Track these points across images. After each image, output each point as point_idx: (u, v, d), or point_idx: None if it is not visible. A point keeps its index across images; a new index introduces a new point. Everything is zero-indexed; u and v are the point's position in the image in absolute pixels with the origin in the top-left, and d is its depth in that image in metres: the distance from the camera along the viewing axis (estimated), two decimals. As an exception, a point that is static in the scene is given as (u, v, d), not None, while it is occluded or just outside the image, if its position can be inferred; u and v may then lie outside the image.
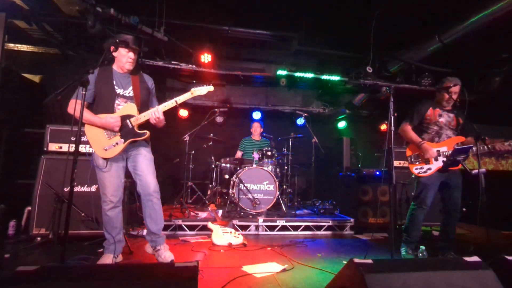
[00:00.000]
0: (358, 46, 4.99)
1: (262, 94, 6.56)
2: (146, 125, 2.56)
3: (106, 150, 2.41)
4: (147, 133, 2.54)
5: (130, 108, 2.48)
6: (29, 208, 3.20)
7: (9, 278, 1.26)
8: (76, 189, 3.16)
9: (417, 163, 2.99)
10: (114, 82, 2.49)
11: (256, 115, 6.34)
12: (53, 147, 3.33)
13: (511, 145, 2.76)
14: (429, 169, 2.91)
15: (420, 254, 2.85)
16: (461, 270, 1.52)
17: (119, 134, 2.45)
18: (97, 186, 3.28)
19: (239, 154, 5.44)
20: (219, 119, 6.28)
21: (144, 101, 2.59)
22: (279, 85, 5.43)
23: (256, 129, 5.52)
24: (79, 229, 3.16)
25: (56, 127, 3.38)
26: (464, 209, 5.26)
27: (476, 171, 2.87)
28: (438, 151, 2.93)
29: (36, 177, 3.19)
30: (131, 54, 2.49)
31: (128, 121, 2.45)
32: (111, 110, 2.45)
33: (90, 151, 2.56)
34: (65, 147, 3.32)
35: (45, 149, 3.32)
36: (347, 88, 6.03)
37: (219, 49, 5.04)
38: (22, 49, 4.45)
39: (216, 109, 5.10)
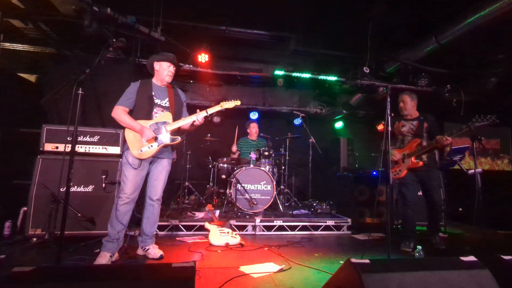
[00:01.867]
0: (355, 46, 5.01)
1: (259, 94, 6.55)
2: (176, 132, 2.84)
3: (141, 151, 2.64)
4: (179, 138, 2.79)
5: (166, 116, 2.78)
6: (25, 208, 3.17)
7: (5, 279, 1.25)
8: (72, 189, 3.15)
9: (392, 168, 3.48)
10: (153, 93, 2.79)
11: (253, 115, 6.33)
12: (49, 147, 3.30)
13: (448, 139, 3.05)
14: (400, 170, 3.45)
15: (417, 254, 2.86)
16: (457, 270, 1.52)
17: (155, 137, 2.70)
18: (93, 186, 3.29)
19: (234, 148, 5.35)
20: (216, 119, 6.29)
21: (178, 111, 2.91)
22: (276, 85, 5.44)
23: (253, 129, 5.51)
24: (75, 230, 3.14)
25: (52, 127, 3.35)
26: (460, 209, 5.31)
27: (473, 171, 2.93)
28: (403, 154, 3.43)
29: (32, 177, 3.16)
30: (172, 68, 2.85)
31: (163, 127, 2.72)
32: (150, 117, 2.73)
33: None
34: (61, 147, 3.30)
35: (41, 149, 3.29)
36: (344, 89, 6.06)
37: (216, 49, 5.03)
38: (18, 49, 4.39)
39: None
